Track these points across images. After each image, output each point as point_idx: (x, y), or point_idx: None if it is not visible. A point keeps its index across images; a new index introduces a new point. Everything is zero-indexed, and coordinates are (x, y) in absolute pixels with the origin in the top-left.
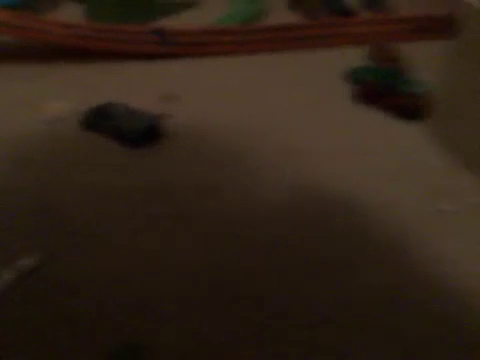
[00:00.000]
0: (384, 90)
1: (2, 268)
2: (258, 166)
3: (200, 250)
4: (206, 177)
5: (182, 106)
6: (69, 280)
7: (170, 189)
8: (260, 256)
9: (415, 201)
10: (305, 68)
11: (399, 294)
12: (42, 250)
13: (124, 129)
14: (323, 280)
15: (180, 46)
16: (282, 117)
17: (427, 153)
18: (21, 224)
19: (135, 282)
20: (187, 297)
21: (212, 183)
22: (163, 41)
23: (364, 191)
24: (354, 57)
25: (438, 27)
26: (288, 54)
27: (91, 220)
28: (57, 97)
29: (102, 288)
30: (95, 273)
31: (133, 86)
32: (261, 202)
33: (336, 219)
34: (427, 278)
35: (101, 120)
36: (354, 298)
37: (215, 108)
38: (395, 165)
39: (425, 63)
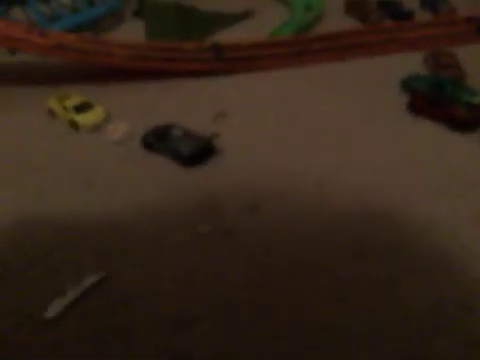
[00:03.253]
0: (434, 100)
1: (71, 284)
2: (304, 187)
3: (241, 268)
4: (252, 196)
5: (235, 125)
6: (125, 296)
7: (219, 207)
8: (298, 276)
9: (461, 218)
10: (360, 78)
11: (438, 314)
12: (105, 268)
13: (180, 150)
14: (362, 299)
15: (235, 61)
16: (333, 133)
17: (478, 168)
18: (88, 243)
19: (184, 298)
20: (227, 315)
21: (257, 202)
22: (218, 57)
23: (408, 205)
24: (410, 64)
25: None
26: (343, 63)
27: (150, 239)
28: (119, 118)
29: (153, 304)
30: (149, 289)
31: (189, 105)
32: (304, 222)
33: (378, 234)
34: (467, 299)
35: (159, 141)
36: (395, 317)
37: (267, 126)
38: (443, 180)
39: None
